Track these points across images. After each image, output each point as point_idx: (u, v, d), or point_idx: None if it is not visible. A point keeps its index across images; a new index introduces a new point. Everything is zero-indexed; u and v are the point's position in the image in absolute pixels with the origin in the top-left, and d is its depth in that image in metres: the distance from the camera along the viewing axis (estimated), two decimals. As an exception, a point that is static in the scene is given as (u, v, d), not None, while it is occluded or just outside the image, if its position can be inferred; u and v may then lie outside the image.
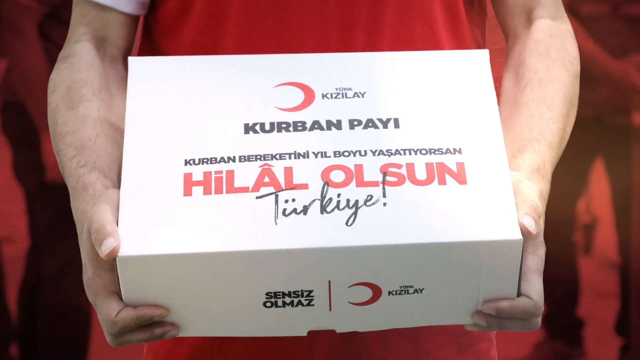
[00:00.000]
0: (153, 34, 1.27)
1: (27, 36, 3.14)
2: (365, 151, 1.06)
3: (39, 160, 3.17)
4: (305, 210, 1.02)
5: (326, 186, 1.04)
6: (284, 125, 1.08)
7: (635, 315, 3.53)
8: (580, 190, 3.87)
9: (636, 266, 3.53)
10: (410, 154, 1.06)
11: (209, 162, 1.06)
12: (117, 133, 1.15)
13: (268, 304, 1.05)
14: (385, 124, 1.09)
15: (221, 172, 1.05)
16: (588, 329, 3.92)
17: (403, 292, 1.05)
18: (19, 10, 3.13)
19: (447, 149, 1.07)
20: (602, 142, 3.61)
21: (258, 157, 1.06)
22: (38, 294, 3.32)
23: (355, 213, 1.02)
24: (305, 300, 1.04)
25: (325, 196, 1.03)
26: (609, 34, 3.49)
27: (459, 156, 1.07)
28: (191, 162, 1.06)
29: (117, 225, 1.02)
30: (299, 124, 1.08)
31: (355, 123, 1.09)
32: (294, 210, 1.02)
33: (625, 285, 3.74)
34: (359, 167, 1.05)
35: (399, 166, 1.05)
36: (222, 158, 1.06)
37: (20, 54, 3.16)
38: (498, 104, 1.11)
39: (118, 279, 1.03)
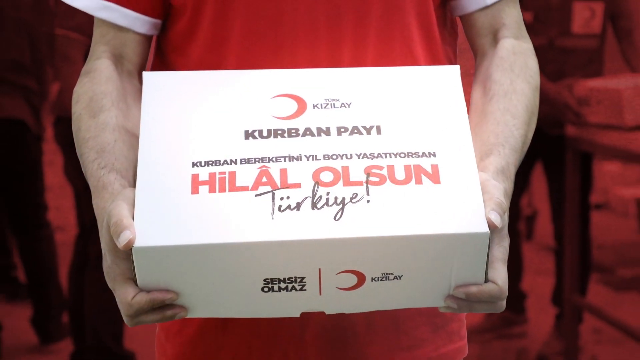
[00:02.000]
0: (164, 52, 1.19)
1: (75, 63, 3.12)
2: (351, 155, 0.98)
3: (85, 164, 3.12)
4: (298, 206, 0.95)
5: (316, 185, 0.96)
6: (279, 132, 1.00)
7: (568, 290, 3.52)
8: (523, 187, 3.87)
9: (568, 249, 3.51)
10: (390, 157, 0.98)
11: (213, 164, 0.98)
12: (133, 139, 1.07)
13: (265, 289, 0.97)
14: (368, 130, 1.01)
15: (224, 173, 0.97)
16: (529, 300, 3.94)
17: (384, 279, 0.97)
18: (69, 42, 3.15)
19: (423, 153, 0.99)
20: (541, 149, 3.58)
21: (257, 159, 0.98)
22: (84, 272, 3.28)
23: (342, 209, 0.95)
24: (298, 285, 0.97)
25: (315, 194, 0.95)
26: (546, 61, 3.47)
27: (434, 159, 0.99)
28: (198, 164, 0.98)
29: (133, 219, 0.95)
30: (293, 131, 1.00)
31: (342, 130, 1.01)
32: (288, 207, 0.95)
33: (559, 265, 3.73)
34: (346, 169, 0.97)
35: (381, 168, 0.97)
36: (225, 160, 0.98)
37: (70, 78, 3.13)
38: (467, 114, 1.04)
39: (134, 267, 0.95)
